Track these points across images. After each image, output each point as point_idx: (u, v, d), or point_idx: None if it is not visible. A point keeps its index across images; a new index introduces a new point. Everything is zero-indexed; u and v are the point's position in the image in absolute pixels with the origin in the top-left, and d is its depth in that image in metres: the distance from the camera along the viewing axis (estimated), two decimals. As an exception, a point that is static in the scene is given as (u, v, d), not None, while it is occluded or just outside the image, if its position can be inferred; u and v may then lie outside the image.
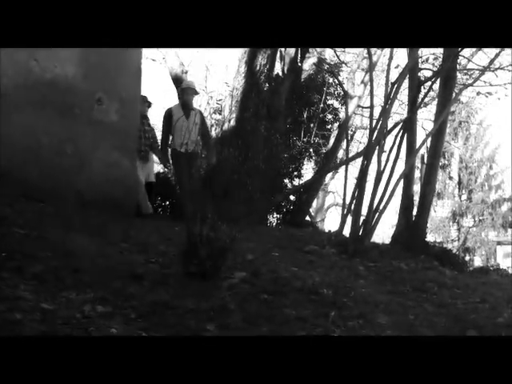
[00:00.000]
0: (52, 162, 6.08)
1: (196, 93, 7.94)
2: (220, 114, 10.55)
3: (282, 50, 11.56)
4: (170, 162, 7.81)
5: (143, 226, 5.93)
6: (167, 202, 8.49)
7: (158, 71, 27.22)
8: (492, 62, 9.89)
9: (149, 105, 8.50)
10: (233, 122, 8.87)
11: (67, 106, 6.25)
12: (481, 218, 28.11)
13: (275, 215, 10.58)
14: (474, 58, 12.29)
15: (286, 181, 11.99)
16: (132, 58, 7.19)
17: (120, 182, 6.73)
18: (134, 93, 7.23)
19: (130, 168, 7.09)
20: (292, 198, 11.96)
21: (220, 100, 11.21)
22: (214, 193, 4.66)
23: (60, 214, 5.15)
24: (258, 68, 9.09)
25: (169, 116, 7.69)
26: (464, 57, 11.98)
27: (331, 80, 14.24)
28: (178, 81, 9.39)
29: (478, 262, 23.08)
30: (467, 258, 19.44)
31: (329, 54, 15.12)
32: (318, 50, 13.54)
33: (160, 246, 5.04)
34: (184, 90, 7.86)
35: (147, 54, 13.04)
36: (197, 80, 13.56)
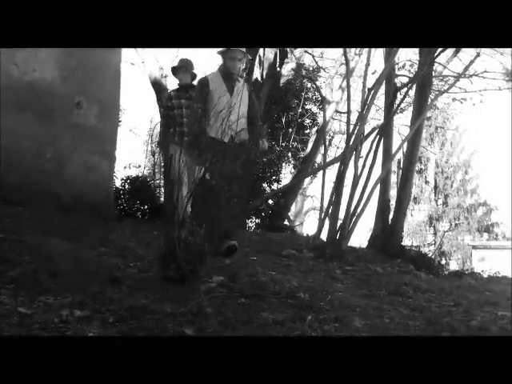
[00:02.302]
0: (31, 165, 6.07)
1: (246, 57, 5.88)
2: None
3: (261, 55, 11.63)
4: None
5: (122, 230, 5.93)
6: (146, 206, 8.47)
7: (137, 75, 27.16)
8: (467, 68, 10.06)
9: (193, 76, 6.96)
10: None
11: (46, 110, 6.24)
12: (457, 222, 28.45)
13: (254, 219, 10.62)
14: (449, 64, 12.45)
15: (265, 185, 12.04)
16: (111, 62, 7.19)
17: (99, 185, 6.73)
18: (113, 96, 7.23)
19: (109, 171, 7.09)
20: (270, 202, 12.02)
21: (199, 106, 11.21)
22: (192, 197, 4.68)
23: (38, 217, 5.15)
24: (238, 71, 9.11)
25: (204, 88, 5.60)
26: (439, 63, 12.14)
27: (309, 85, 14.35)
28: (156, 85, 9.39)
29: (453, 265, 23.32)
30: (443, 261, 19.61)
31: (307, 59, 15.23)
32: (297, 55, 13.64)
33: (138, 250, 5.06)
34: (229, 51, 5.62)
35: (126, 57, 13.02)
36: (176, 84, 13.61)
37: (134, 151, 12.07)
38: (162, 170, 9.04)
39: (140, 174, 9.85)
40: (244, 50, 5.72)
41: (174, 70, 6.94)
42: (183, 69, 6.86)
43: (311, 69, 14.50)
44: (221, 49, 5.68)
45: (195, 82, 6.59)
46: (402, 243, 10.36)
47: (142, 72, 13.17)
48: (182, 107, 6.65)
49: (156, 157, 10.62)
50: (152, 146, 11.31)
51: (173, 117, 6.70)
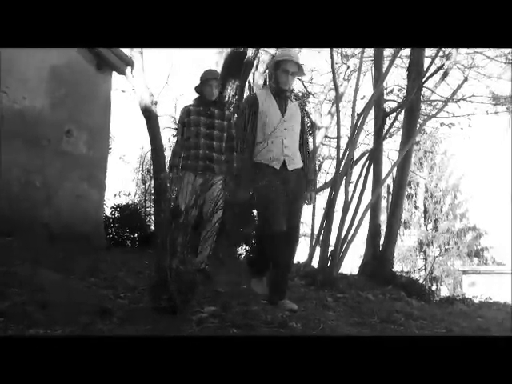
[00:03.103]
0: (20, 194, 6.02)
1: (301, 72, 4.91)
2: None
3: (251, 81, 11.70)
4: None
5: (112, 260, 5.88)
6: (135, 235, 8.42)
7: (127, 102, 27.23)
8: (454, 93, 10.16)
9: (218, 84, 6.07)
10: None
11: (36, 138, 6.23)
12: (447, 247, 28.50)
13: (244, 247, 10.57)
14: (437, 89, 12.59)
15: (255, 212, 12.01)
16: (101, 89, 7.21)
17: (88, 214, 6.69)
18: (103, 124, 7.24)
19: (99, 200, 7.06)
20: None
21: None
22: (183, 226, 4.65)
23: (28, 247, 5.09)
24: (226, 99, 9.15)
25: (253, 107, 4.70)
26: (428, 88, 12.28)
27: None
28: (147, 112, 9.39)
29: (444, 291, 23.32)
30: (434, 287, 19.63)
31: (296, 85, 15.34)
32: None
33: (129, 280, 5.01)
34: (281, 63, 4.69)
35: (117, 84, 13.07)
36: (166, 111, 13.62)
37: (123, 179, 12.01)
38: (153, 197, 9.01)
39: (130, 202, 9.80)
40: (299, 61, 4.75)
41: (204, 82, 5.85)
42: (214, 82, 5.87)
43: (300, 94, 14.58)
44: (272, 61, 4.89)
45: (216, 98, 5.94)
46: (393, 269, 10.35)
47: (132, 99, 13.25)
48: (200, 125, 5.75)
49: (147, 185, 10.60)
50: (142, 174, 11.27)
51: (188, 136, 5.78)
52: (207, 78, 5.82)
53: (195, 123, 5.77)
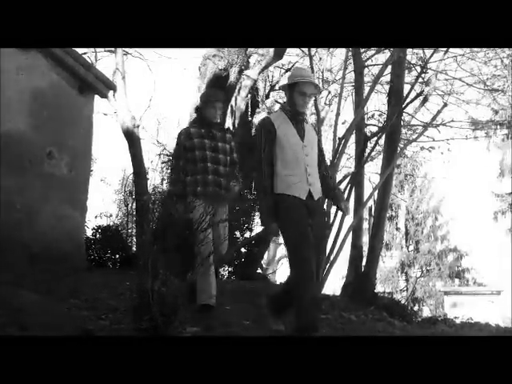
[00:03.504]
0: (1, 215, 5.99)
1: (317, 90, 4.79)
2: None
3: (233, 104, 11.77)
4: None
5: (93, 281, 5.85)
6: (117, 256, 8.39)
7: (109, 124, 27.17)
8: (434, 118, 10.33)
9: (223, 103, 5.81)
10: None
11: (17, 160, 6.21)
12: (428, 268, 28.62)
13: (227, 268, 10.56)
14: (417, 114, 12.75)
15: (237, 233, 12.02)
16: (83, 112, 7.23)
17: (70, 235, 6.67)
18: (84, 146, 7.24)
19: (80, 221, 7.04)
20: (243, 250, 11.98)
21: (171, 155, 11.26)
22: (165, 247, 4.64)
23: (8, 269, 5.06)
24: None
25: (270, 133, 4.35)
26: (408, 113, 12.44)
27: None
28: (128, 134, 9.41)
29: (426, 312, 23.38)
30: (416, 308, 19.69)
31: (276, 108, 15.45)
32: (268, 104, 13.83)
33: (110, 301, 4.99)
34: (297, 85, 4.37)
35: (99, 107, 13.09)
36: (148, 134, 13.65)
37: (105, 200, 12.00)
38: (135, 219, 8.99)
39: (111, 224, 9.76)
40: (315, 81, 4.50)
41: (207, 103, 5.42)
42: (218, 104, 5.48)
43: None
44: (285, 82, 4.48)
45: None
46: (375, 290, 10.37)
47: (114, 122, 13.26)
48: (206, 149, 5.28)
49: (129, 206, 10.57)
50: (124, 196, 11.25)
51: (192, 160, 5.29)
52: (211, 99, 5.42)
53: (200, 147, 5.28)
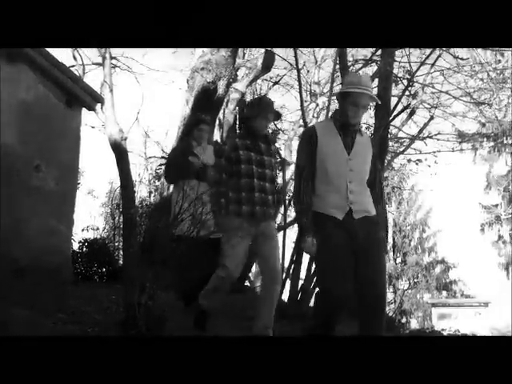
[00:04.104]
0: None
1: (373, 101, 4.09)
2: (159, 180, 10.58)
3: (221, 117, 11.80)
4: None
5: (80, 295, 5.82)
6: (104, 269, 8.34)
7: (97, 138, 27.13)
8: (421, 131, 10.42)
9: (276, 115, 5.11)
10: (172, 188, 8.90)
11: (5, 174, 6.18)
12: (415, 280, 28.71)
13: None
14: (404, 127, 12.86)
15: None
16: (70, 125, 7.21)
17: (56, 248, 6.63)
18: (72, 159, 7.22)
19: (67, 234, 7.00)
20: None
21: (159, 168, 11.26)
22: (152, 260, 4.63)
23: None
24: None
25: (310, 143, 3.90)
26: (395, 126, 12.54)
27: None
28: (116, 147, 9.38)
29: (414, 324, 23.43)
30: (404, 320, 19.74)
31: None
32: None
33: (96, 315, 4.96)
34: (351, 95, 3.84)
35: (86, 120, 13.06)
36: (136, 146, 13.64)
37: (92, 213, 11.94)
38: (122, 232, 8.94)
39: (98, 237, 9.71)
40: (371, 93, 3.95)
41: (260, 114, 4.80)
42: (271, 117, 4.95)
43: (270, 131, 14.74)
44: (338, 89, 4.10)
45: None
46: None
47: (102, 135, 13.23)
48: (252, 163, 4.74)
49: (116, 219, 10.52)
50: (111, 209, 11.20)
51: (236, 174, 4.76)
52: (266, 110, 4.81)
53: (246, 160, 4.74)
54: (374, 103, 5.63)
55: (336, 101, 4.04)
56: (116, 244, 9.49)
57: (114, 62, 12.05)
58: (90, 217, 12.65)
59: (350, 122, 3.88)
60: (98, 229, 10.61)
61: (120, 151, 9.51)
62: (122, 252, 8.75)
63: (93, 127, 13.36)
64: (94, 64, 12.42)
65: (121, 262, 8.48)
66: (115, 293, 5.87)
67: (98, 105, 8.59)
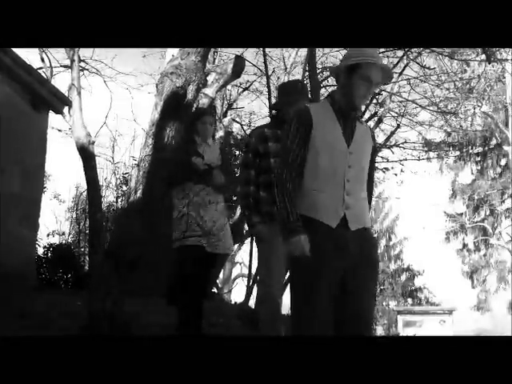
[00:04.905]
0: None
1: (388, 78, 3.14)
2: (127, 185, 10.50)
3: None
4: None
5: (44, 300, 5.72)
6: (69, 275, 8.22)
7: (64, 141, 26.81)
8: (388, 139, 10.53)
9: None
10: (139, 194, 8.84)
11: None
12: (382, 287, 28.97)
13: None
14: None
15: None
16: (37, 128, 7.11)
17: (20, 253, 6.51)
18: (37, 163, 7.11)
19: (31, 239, 6.89)
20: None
21: (126, 173, 11.18)
22: (118, 266, 4.59)
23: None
24: (165, 140, 9.16)
25: (305, 124, 2.99)
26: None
27: (237, 153, 14.59)
28: (83, 151, 9.28)
29: (380, 331, 23.62)
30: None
31: (236, 128, 15.53)
32: (225, 123, 13.87)
33: (61, 321, 4.89)
34: (360, 67, 2.93)
35: (53, 123, 12.90)
36: (104, 150, 13.52)
37: (58, 218, 11.79)
38: (88, 237, 8.85)
39: (64, 242, 9.59)
40: (385, 65, 3.15)
41: (291, 99, 4.10)
42: (303, 95, 4.21)
43: (239, 137, 14.75)
44: (341, 63, 3.06)
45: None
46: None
47: (69, 138, 13.09)
48: (270, 155, 4.13)
49: (81, 224, 10.41)
50: (77, 213, 11.08)
51: (265, 169, 4.10)
52: (297, 93, 4.16)
53: (277, 153, 3.94)
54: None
55: (334, 79, 3.24)
56: (82, 249, 9.40)
57: (82, 64, 11.95)
58: (56, 222, 12.51)
59: (356, 104, 3.04)
60: (63, 234, 10.50)
61: (87, 155, 9.39)
62: (87, 257, 8.68)
63: (60, 130, 13.22)
64: (62, 66, 12.31)
65: (86, 267, 8.39)
66: (80, 299, 5.78)
67: (66, 108, 8.49)
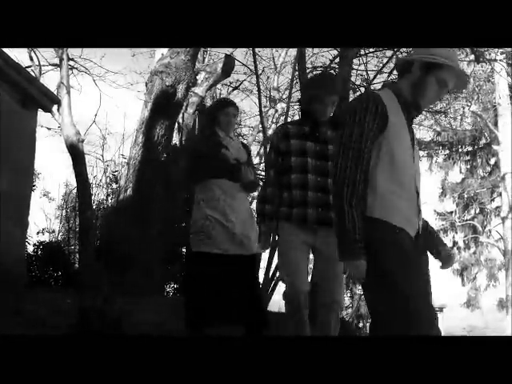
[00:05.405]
0: None
1: (463, 86, 2.82)
2: (116, 182, 10.50)
3: (180, 121, 11.77)
4: None
5: (34, 299, 5.72)
6: (59, 273, 8.22)
7: (53, 139, 26.68)
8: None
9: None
10: (129, 192, 8.85)
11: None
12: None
13: (172, 285, 10.48)
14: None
15: (184, 250, 11.97)
16: (26, 126, 7.09)
17: (10, 251, 6.50)
18: (27, 161, 7.10)
19: (21, 237, 6.88)
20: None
21: (116, 171, 11.18)
22: (108, 264, 4.60)
23: None
24: (155, 138, 9.18)
25: (382, 114, 2.49)
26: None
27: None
28: (73, 149, 9.28)
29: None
30: (361, 324, 19.95)
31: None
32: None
33: (51, 319, 4.89)
34: (440, 69, 2.61)
35: (42, 121, 12.88)
36: (93, 149, 13.49)
37: (48, 216, 11.75)
38: (78, 235, 8.85)
39: (54, 240, 9.58)
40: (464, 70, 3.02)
41: (320, 97, 3.77)
42: (335, 99, 3.85)
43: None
44: (415, 57, 2.72)
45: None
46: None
47: (58, 136, 13.06)
48: (307, 154, 3.76)
49: (71, 222, 10.40)
50: (67, 211, 11.07)
51: (286, 168, 3.81)
52: (326, 92, 3.78)
53: (299, 151, 3.77)
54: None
55: (398, 74, 2.83)
56: (72, 247, 9.40)
57: (71, 63, 11.93)
58: (45, 219, 12.48)
59: (423, 105, 2.69)
60: (53, 232, 10.49)
61: (76, 153, 9.43)
62: (77, 255, 8.69)
63: (49, 129, 13.20)
64: (51, 65, 12.28)
65: (77, 265, 8.39)
66: (71, 296, 5.78)
67: (55, 106, 8.49)
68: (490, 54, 11.95)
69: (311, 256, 3.91)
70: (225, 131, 4.39)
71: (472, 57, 11.55)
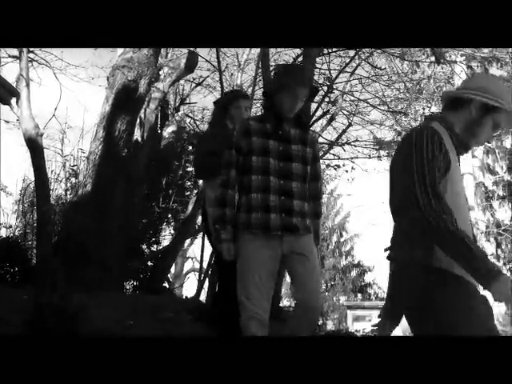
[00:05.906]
0: None
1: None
2: (76, 178, 10.36)
3: (142, 116, 11.68)
4: None
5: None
6: (16, 268, 8.07)
7: (11, 133, 26.19)
8: (339, 137, 10.68)
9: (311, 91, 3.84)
10: (89, 187, 8.74)
11: None
12: (332, 283, 29.33)
13: (132, 281, 10.40)
14: (323, 132, 13.13)
15: (144, 246, 11.89)
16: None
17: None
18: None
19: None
20: (150, 263, 11.85)
21: (75, 165, 11.03)
22: (66, 260, 4.53)
23: None
24: (116, 133, 9.08)
25: (446, 153, 2.36)
26: (314, 131, 12.78)
27: (190, 148, 14.56)
28: (31, 143, 9.10)
29: (330, 325, 23.91)
30: (320, 322, 20.12)
31: (188, 122, 15.48)
32: (178, 118, 13.82)
33: (6, 315, 4.80)
34: (497, 112, 2.49)
35: (1, 115, 12.61)
36: (52, 143, 13.29)
37: (4, 211, 11.51)
38: (35, 231, 8.70)
39: (11, 235, 9.39)
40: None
41: (287, 89, 3.55)
42: (303, 92, 3.66)
43: (192, 132, 14.71)
44: (478, 93, 2.48)
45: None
46: (280, 304, 10.51)
47: (16, 130, 12.81)
48: (269, 153, 3.58)
49: (27, 217, 10.22)
50: (24, 206, 10.87)
51: (247, 169, 3.60)
52: (299, 83, 3.53)
53: (261, 150, 3.51)
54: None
55: (446, 106, 2.62)
56: (29, 243, 9.23)
57: (31, 55, 11.72)
58: (2, 214, 12.24)
59: (473, 145, 2.58)
60: (10, 227, 10.29)
61: (35, 147, 9.25)
62: (34, 251, 8.55)
63: (7, 122, 12.94)
64: (10, 57, 12.04)
65: (34, 261, 8.25)
66: (27, 293, 5.69)
67: (14, 99, 8.33)
68: (450, 56, 12.17)
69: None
70: (236, 125, 3.93)
71: (433, 58, 11.73)
